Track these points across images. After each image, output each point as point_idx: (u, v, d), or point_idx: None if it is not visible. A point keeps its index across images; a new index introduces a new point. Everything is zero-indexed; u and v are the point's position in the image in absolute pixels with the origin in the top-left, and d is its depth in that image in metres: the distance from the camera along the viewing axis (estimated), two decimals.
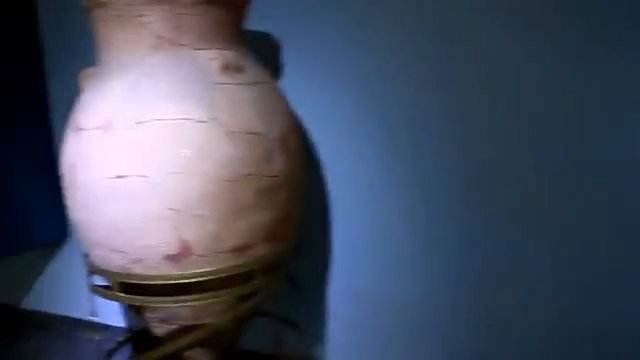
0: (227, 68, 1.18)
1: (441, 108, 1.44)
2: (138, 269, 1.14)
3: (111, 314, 2.13)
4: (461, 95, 1.41)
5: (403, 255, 1.56)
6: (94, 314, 1.45)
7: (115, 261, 1.16)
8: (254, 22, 1.51)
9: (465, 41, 1.39)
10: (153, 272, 1.13)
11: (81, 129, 1.16)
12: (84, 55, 1.92)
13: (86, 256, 1.30)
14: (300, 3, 1.54)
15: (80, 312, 2.21)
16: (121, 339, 1.60)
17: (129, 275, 1.15)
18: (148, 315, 1.28)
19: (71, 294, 2.22)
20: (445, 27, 1.40)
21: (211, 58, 1.17)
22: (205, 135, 1.11)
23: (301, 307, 1.68)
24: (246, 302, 1.23)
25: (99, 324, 2.15)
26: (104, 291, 1.22)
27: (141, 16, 1.14)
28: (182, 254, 1.12)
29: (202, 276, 1.14)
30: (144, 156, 1.09)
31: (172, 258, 1.12)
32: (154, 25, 1.15)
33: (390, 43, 1.47)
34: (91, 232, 1.17)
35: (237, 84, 1.19)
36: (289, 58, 1.59)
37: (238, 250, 1.17)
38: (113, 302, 2.12)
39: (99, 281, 1.28)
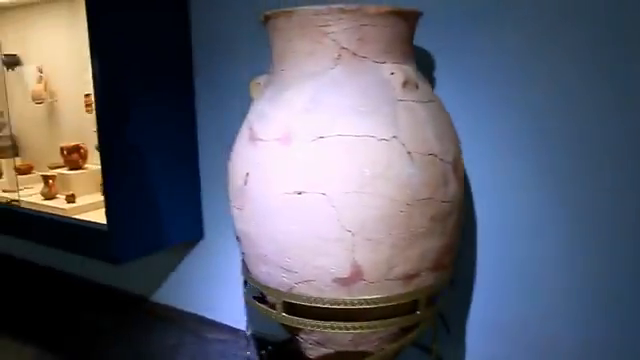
0: (407, 84, 1.07)
1: (612, 133, 1.24)
2: (305, 290, 1.05)
3: (237, 317, 2.09)
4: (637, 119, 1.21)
5: (561, 294, 1.36)
6: (248, 327, 1.37)
7: (281, 279, 1.08)
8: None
9: None
10: (320, 295, 1.04)
11: (257, 139, 1.09)
12: (233, 60, 1.93)
13: (245, 266, 1.24)
14: (456, 19, 1.39)
15: (207, 311, 2.20)
16: (263, 352, 1.53)
17: (295, 295, 1.06)
18: (303, 336, 1.19)
19: (200, 293, 2.22)
20: (623, 40, 1.20)
21: (392, 72, 1.07)
22: (387, 154, 1.00)
23: (447, 342, 1.51)
24: (409, 333, 1.11)
25: (226, 326, 2.12)
26: (268, 309, 1.14)
27: (325, 26, 1.06)
28: (352, 279, 1.01)
29: (371, 303, 1.02)
30: (324, 173, 1.00)
31: (342, 282, 1.02)
32: (338, 36, 1.06)
33: (558, 64, 1.28)
34: (259, 246, 1.10)
35: (415, 101, 1.08)
36: (442, 75, 1.45)
37: (407, 278, 1.04)
38: (242, 305, 2.13)
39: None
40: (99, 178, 2.36)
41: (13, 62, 2.70)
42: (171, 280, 2.33)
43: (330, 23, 1.05)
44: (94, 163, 2.45)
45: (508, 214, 1.39)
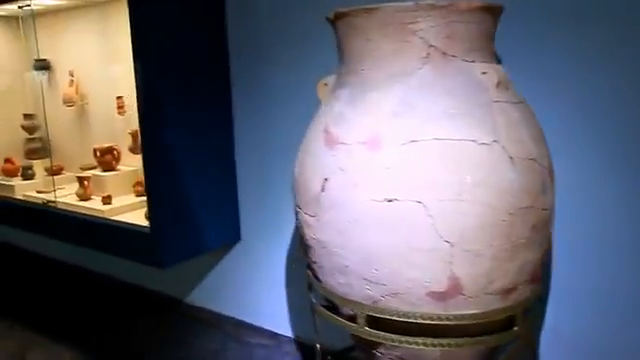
0: (500, 84, 0.96)
1: None
2: (393, 303, 0.94)
3: (278, 322, 1.98)
4: None
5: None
6: (318, 339, 1.26)
7: (364, 291, 0.96)
8: None
9: None
10: (411, 309, 0.93)
11: (338, 143, 0.98)
12: (268, 65, 1.81)
13: (314, 275, 1.12)
14: (528, 16, 1.28)
15: (245, 315, 2.09)
16: None
17: (381, 309, 0.95)
18: (382, 351, 1.08)
19: (237, 296, 2.10)
20: None
21: (484, 72, 0.96)
22: (488, 159, 0.89)
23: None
24: (502, 351, 0.99)
25: (267, 331, 2.01)
26: (346, 322, 1.03)
27: (412, 23, 0.94)
28: (450, 293, 0.90)
29: (468, 319, 0.91)
30: (419, 179, 0.88)
31: (438, 296, 0.91)
32: (425, 33, 0.95)
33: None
34: (339, 256, 0.98)
35: (508, 102, 0.97)
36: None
37: (505, 292, 0.93)
38: (282, 309, 2.02)
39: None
40: (132, 180, 2.27)
41: (44, 66, 2.61)
42: (207, 283, 2.22)
43: (419, 20, 0.94)
44: (126, 165, 2.34)
45: (582, 221, 1.27)
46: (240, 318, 2.09)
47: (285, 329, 1.97)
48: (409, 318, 0.93)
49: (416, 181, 0.88)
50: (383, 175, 0.90)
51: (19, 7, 2.30)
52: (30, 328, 2.16)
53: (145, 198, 2.09)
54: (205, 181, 1.88)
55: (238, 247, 2.08)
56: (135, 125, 2.18)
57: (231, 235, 2.04)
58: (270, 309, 2.00)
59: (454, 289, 0.89)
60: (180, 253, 1.83)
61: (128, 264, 2.13)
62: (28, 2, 2.23)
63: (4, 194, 2.47)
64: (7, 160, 2.65)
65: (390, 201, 0.89)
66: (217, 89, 1.89)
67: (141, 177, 2.22)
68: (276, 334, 1.98)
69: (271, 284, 1.98)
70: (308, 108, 1.71)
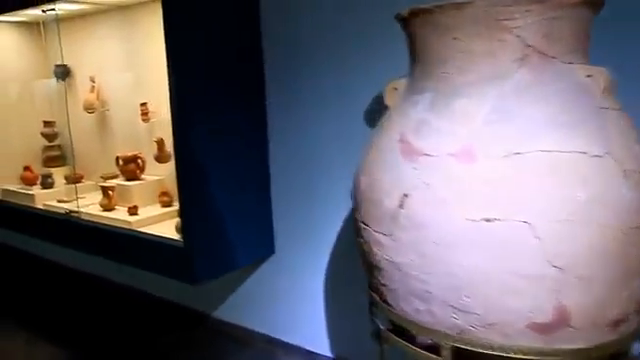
0: (606, 89, 0.86)
1: None
2: (485, 334, 0.83)
3: (313, 340, 1.88)
4: None
5: None
6: None
7: (450, 320, 0.86)
8: None
9: None
10: (507, 342, 0.82)
11: (420, 154, 0.88)
12: (303, 68, 1.72)
13: (380, 298, 1.02)
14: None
15: (278, 332, 1.98)
16: None
17: (470, 340, 0.85)
18: None
19: (270, 312, 2.00)
20: None
21: (589, 75, 0.86)
22: (601, 174, 0.79)
23: None
24: None
25: (301, 349, 1.91)
26: (425, 353, 0.92)
27: (509, 20, 0.85)
28: (555, 324, 0.80)
29: (574, 354, 0.81)
30: (525, 196, 0.78)
31: (540, 328, 0.80)
32: (522, 31, 0.85)
33: None
34: (420, 281, 0.88)
35: (614, 109, 0.87)
36: None
37: (614, 324, 0.83)
38: (319, 327, 1.92)
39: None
40: (158, 189, 2.18)
41: (64, 72, 2.54)
42: (238, 297, 2.11)
43: (516, 16, 0.84)
44: (150, 174, 2.26)
45: None
46: (274, 335, 1.99)
47: (322, 348, 1.86)
48: (505, 352, 0.82)
49: (521, 199, 0.78)
50: (480, 191, 0.80)
51: (43, 11, 2.23)
52: (51, 342, 2.07)
53: (172, 209, 2.02)
54: (239, 193, 1.78)
55: (271, 260, 1.98)
56: (159, 132, 2.11)
57: (265, 249, 1.94)
58: (306, 326, 1.90)
59: (560, 320, 0.79)
60: (214, 268, 1.74)
61: (153, 276, 2.03)
62: (52, 6, 2.16)
63: (24, 203, 2.39)
64: (26, 168, 2.57)
65: (489, 221, 0.79)
66: (251, 98, 1.80)
67: (167, 187, 2.13)
68: (312, 352, 1.87)
69: (307, 299, 1.88)
70: (349, 116, 1.63)
